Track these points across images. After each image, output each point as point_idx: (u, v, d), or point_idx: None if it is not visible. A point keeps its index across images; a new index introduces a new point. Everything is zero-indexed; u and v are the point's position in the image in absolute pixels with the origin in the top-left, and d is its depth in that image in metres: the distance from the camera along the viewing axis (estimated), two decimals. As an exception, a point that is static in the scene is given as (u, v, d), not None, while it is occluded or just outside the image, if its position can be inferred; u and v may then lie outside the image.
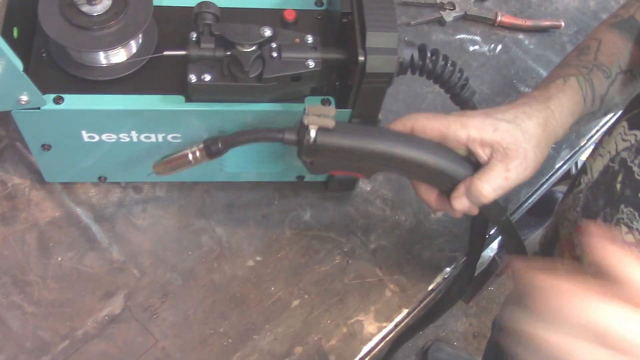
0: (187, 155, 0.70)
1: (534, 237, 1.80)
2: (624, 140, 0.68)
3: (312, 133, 0.65)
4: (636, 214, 0.62)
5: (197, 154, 0.70)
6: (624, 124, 0.70)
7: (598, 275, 0.46)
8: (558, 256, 0.76)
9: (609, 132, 0.74)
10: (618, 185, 0.65)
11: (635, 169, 0.63)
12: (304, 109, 0.65)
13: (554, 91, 0.71)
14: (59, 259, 0.86)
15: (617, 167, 0.67)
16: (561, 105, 0.70)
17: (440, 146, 0.67)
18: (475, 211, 0.69)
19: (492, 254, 1.28)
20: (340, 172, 0.72)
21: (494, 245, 1.22)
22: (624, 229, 0.62)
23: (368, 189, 0.96)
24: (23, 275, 0.85)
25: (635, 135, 0.67)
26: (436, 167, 0.65)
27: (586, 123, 0.77)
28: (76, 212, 0.89)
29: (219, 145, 0.69)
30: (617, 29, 0.76)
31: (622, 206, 0.64)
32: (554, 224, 0.81)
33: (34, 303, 0.83)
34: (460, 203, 0.67)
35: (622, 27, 0.76)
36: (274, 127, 0.67)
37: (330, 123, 0.65)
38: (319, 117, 0.65)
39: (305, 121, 0.65)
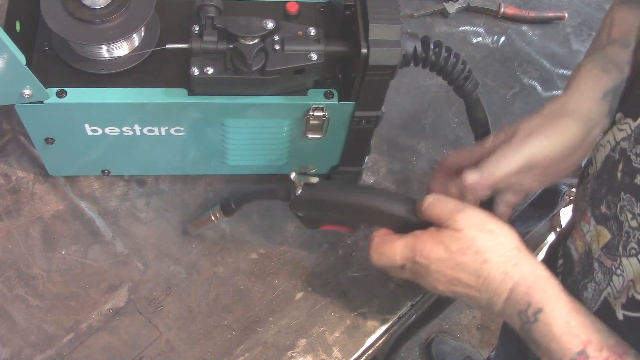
0: (210, 217, 0.84)
1: (538, 229, 1.80)
2: (619, 129, 0.69)
3: (298, 189, 0.75)
4: (633, 200, 0.63)
5: (217, 214, 0.84)
6: (618, 113, 0.71)
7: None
8: (571, 243, 0.77)
9: None
10: (619, 174, 0.66)
11: (633, 157, 0.64)
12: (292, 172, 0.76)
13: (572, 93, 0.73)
14: (63, 252, 0.86)
15: (617, 157, 0.68)
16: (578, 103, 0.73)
17: (397, 195, 0.79)
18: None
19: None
20: (329, 227, 0.81)
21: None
22: (629, 215, 0.63)
23: (371, 181, 0.96)
24: (27, 268, 0.85)
25: (629, 123, 0.67)
26: (392, 212, 0.74)
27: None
28: (80, 206, 0.89)
29: (232, 205, 0.82)
30: (626, 5, 0.77)
31: (622, 193, 0.64)
32: (573, 214, 0.82)
33: (38, 296, 0.83)
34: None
35: (631, 1, 0.77)
36: (270, 186, 0.81)
37: (314, 180, 0.75)
38: (305, 176, 0.75)
39: (293, 179, 0.75)
